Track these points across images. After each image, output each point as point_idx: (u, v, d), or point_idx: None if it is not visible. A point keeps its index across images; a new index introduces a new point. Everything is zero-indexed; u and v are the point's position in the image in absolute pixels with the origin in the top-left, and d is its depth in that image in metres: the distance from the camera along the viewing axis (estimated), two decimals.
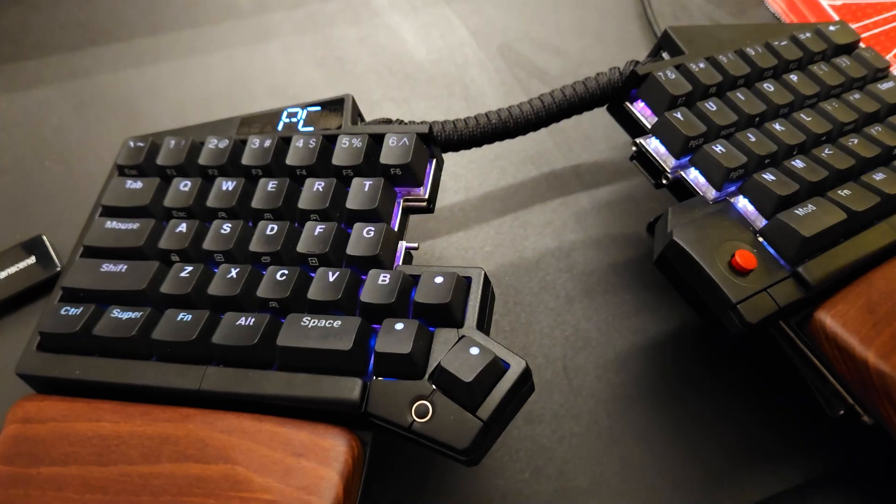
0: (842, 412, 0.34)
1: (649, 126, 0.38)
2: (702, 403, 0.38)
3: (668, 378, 0.39)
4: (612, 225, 0.44)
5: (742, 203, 0.36)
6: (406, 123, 0.38)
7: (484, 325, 0.31)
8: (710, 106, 0.37)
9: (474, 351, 0.29)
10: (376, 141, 0.36)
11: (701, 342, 0.40)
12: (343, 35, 0.51)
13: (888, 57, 0.51)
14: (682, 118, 0.36)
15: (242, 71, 0.49)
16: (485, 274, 0.32)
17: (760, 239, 0.34)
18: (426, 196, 0.36)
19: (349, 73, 0.49)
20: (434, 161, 0.37)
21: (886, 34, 0.53)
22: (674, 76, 0.38)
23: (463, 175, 0.45)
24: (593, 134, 0.47)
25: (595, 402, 0.38)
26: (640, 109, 0.39)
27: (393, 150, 0.35)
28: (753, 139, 0.37)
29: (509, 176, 0.45)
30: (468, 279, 0.32)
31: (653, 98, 0.38)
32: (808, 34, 0.43)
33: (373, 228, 0.33)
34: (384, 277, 0.32)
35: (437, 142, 0.38)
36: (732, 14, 0.54)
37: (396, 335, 0.30)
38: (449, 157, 0.45)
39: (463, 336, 0.30)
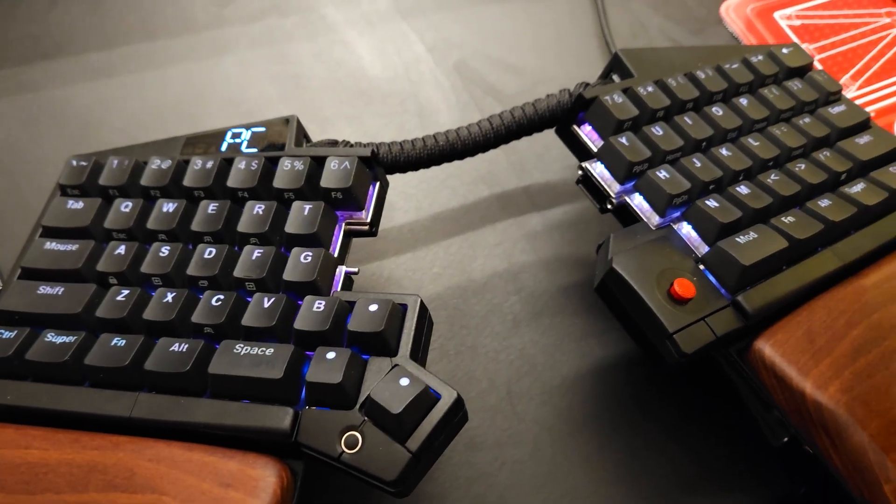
0: (785, 439, 0.34)
1: (595, 150, 0.37)
2: (651, 428, 0.38)
3: (615, 403, 0.39)
4: (562, 247, 0.43)
5: (686, 229, 0.35)
6: (352, 145, 0.38)
7: (419, 353, 0.31)
8: (657, 130, 0.37)
9: (404, 382, 0.29)
10: (319, 163, 0.36)
11: (650, 365, 0.40)
12: (299, 50, 0.50)
13: (845, 77, 0.52)
14: (626, 143, 0.36)
15: (198, 85, 0.49)
16: (421, 301, 0.32)
17: (702, 267, 0.34)
18: (368, 220, 0.35)
19: (304, 89, 0.48)
20: (378, 184, 0.36)
21: (844, 55, 0.53)
22: (621, 100, 0.38)
23: (413, 195, 0.45)
24: (546, 154, 0.47)
25: (539, 428, 0.38)
26: (586, 133, 0.38)
27: (334, 173, 0.35)
28: (699, 164, 0.37)
29: (460, 196, 0.45)
30: (404, 307, 0.32)
31: (599, 122, 0.38)
32: (760, 57, 0.43)
33: (310, 253, 0.33)
34: (319, 304, 0.31)
35: (381, 164, 0.38)
36: (691, 32, 0.54)
37: (328, 364, 0.29)
38: (399, 177, 0.45)
39: (396, 365, 0.30)
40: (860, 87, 0.51)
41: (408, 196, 0.45)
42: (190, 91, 0.48)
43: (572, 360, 0.40)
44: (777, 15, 0.54)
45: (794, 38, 0.53)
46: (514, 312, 0.41)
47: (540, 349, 0.40)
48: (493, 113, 0.48)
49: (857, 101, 0.50)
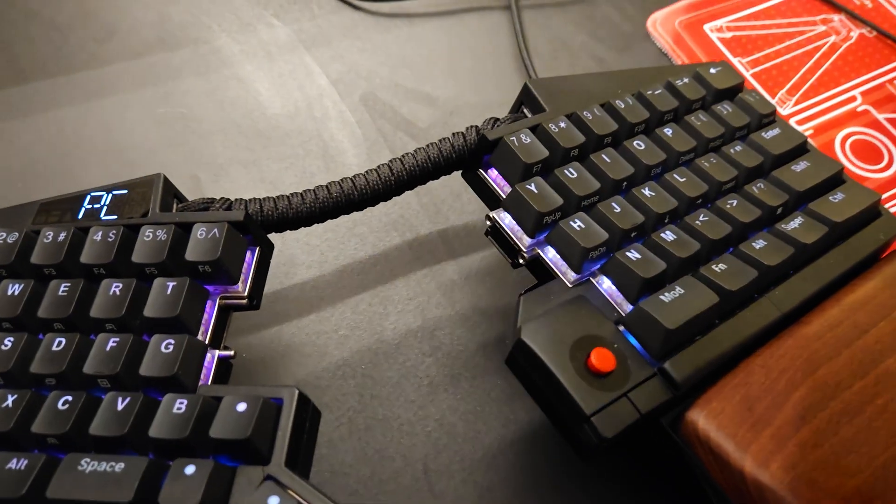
0: None
1: (504, 197, 0.33)
2: (583, 500, 0.34)
3: (543, 474, 0.35)
4: (482, 297, 0.39)
5: (607, 284, 0.32)
6: (232, 203, 0.33)
7: (298, 457, 0.27)
8: (570, 173, 0.33)
9: (273, 501, 0.24)
10: (186, 230, 0.31)
11: None
12: (189, 88, 0.46)
13: (782, 92, 0.48)
14: (535, 190, 0.32)
15: (73, 134, 0.44)
16: (299, 394, 0.27)
17: (622, 329, 0.30)
18: (246, 293, 0.31)
19: (192, 133, 0.44)
20: (257, 249, 0.32)
21: (778, 68, 0.50)
22: (528, 140, 0.34)
23: (317, 246, 0.40)
24: (464, 193, 0.43)
25: None
26: (494, 178, 0.34)
27: (201, 243, 0.30)
28: (618, 210, 0.33)
29: (369, 245, 0.41)
30: (279, 401, 0.27)
31: (505, 166, 0.33)
32: (685, 80, 0.40)
33: (172, 341, 0.28)
34: (180, 405, 0.27)
35: (263, 224, 0.33)
36: (617, 50, 0.51)
37: (185, 482, 0.25)
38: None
39: (268, 477, 0.25)
40: (797, 103, 0.48)
41: (310, 249, 0.40)
42: (64, 140, 0.43)
43: (495, 429, 0.36)
44: (707, 27, 0.51)
45: (726, 52, 0.50)
46: (430, 376, 0.37)
47: (459, 417, 0.36)
48: (405, 150, 0.44)
49: (796, 118, 0.47)
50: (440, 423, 0.36)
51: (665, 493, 0.35)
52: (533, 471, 0.35)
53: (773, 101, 0.48)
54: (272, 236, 0.39)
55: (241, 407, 0.26)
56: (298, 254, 0.40)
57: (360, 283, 0.40)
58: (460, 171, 0.36)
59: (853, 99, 0.48)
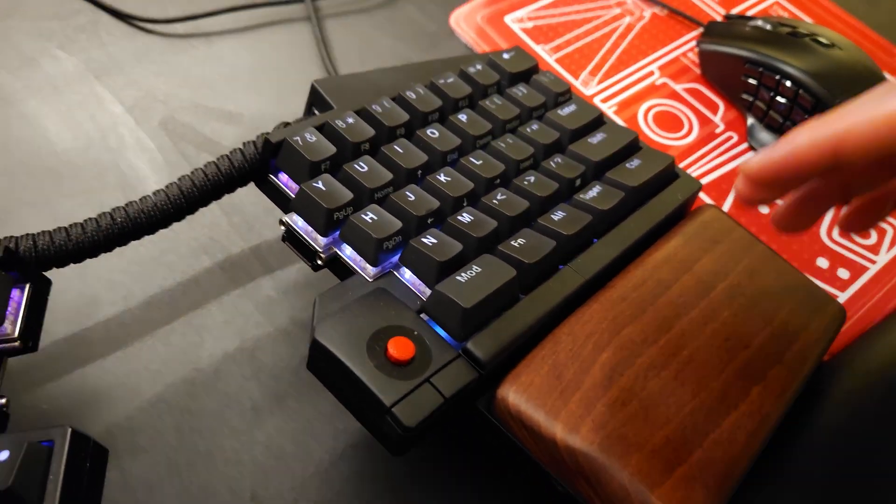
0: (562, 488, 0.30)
1: (293, 199, 0.32)
2: (426, 499, 0.33)
3: (381, 479, 0.34)
4: (302, 310, 0.38)
5: (408, 274, 0.31)
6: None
7: (78, 501, 0.24)
8: (360, 167, 0.33)
9: None
10: None
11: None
12: None
13: (584, 74, 0.50)
14: (323, 188, 0.31)
15: None
16: (72, 433, 0.25)
17: (425, 316, 0.29)
18: (16, 334, 0.28)
19: None
20: (28, 287, 0.29)
21: (580, 51, 0.51)
22: (314, 139, 0.33)
23: (121, 281, 0.38)
24: (275, 207, 0.41)
25: None
26: (285, 182, 0.33)
27: None
28: (412, 198, 0.32)
29: (178, 273, 0.39)
30: (50, 444, 0.25)
31: (292, 168, 0.32)
32: (478, 67, 0.40)
33: None
34: None
35: (41, 260, 0.31)
36: (423, 49, 0.51)
37: None
38: (104, 261, 0.38)
39: None
40: (600, 82, 0.49)
41: (114, 284, 0.38)
42: None
43: (326, 443, 0.34)
44: (508, 19, 0.52)
45: (529, 41, 0.51)
46: (253, 400, 0.35)
47: (288, 437, 0.34)
48: None
49: (600, 97, 0.49)
50: (268, 447, 0.34)
51: (509, 482, 0.34)
52: (367, 478, 0.34)
53: (577, 82, 0.49)
54: (66, 274, 0.36)
55: (3, 455, 0.24)
56: (101, 291, 0.38)
57: (170, 313, 0.37)
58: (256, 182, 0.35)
59: (651, 74, 0.50)
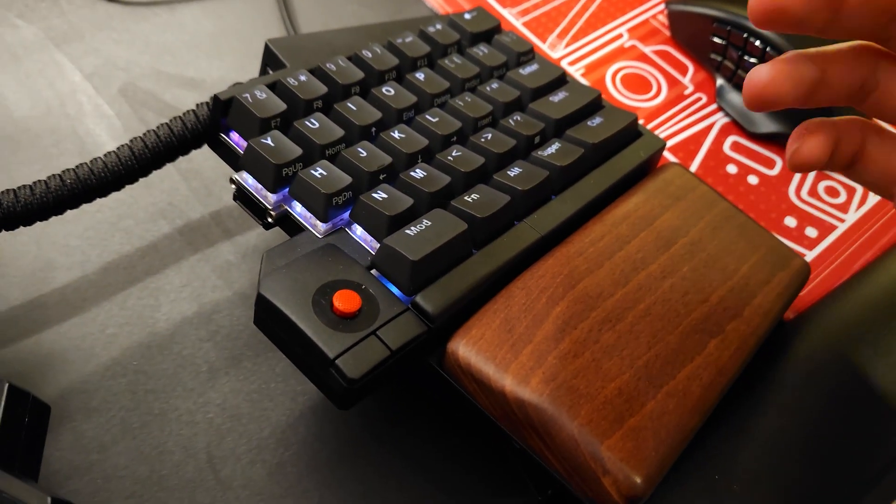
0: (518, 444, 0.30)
1: (241, 156, 0.32)
2: (385, 455, 0.33)
3: (338, 439, 0.33)
4: None
5: (360, 231, 0.31)
6: None
7: (15, 455, 0.24)
8: (311, 123, 0.32)
9: None
10: None
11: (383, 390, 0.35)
12: None
13: (552, 37, 0.49)
14: (271, 144, 0.31)
15: None
16: (9, 388, 0.25)
17: (375, 272, 0.29)
18: None
19: None
20: None
21: (547, 15, 0.50)
22: (264, 96, 0.32)
23: (77, 246, 0.37)
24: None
25: (249, 493, 0.32)
26: (236, 141, 0.33)
27: None
28: (364, 154, 0.32)
29: (136, 238, 0.38)
30: None
31: (242, 125, 0.32)
32: (438, 26, 0.39)
33: None
34: None
35: None
36: (389, 15, 0.50)
37: None
38: (60, 227, 0.38)
39: None
40: (568, 45, 0.49)
41: (70, 250, 0.37)
42: None
43: (283, 405, 0.34)
44: None
45: (496, 6, 0.50)
46: (209, 361, 0.35)
47: (244, 398, 0.34)
48: None
49: (567, 59, 0.48)
50: (223, 408, 0.34)
51: (469, 440, 0.34)
52: (326, 440, 0.33)
53: (544, 46, 0.49)
54: (22, 240, 0.36)
55: None
56: (56, 257, 0.37)
57: (127, 277, 0.37)
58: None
59: (620, 36, 0.50)
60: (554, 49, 0.48)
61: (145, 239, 0.38)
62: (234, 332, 0.36)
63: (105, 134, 0.42)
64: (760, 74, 0.24)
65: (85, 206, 0.34)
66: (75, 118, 0.42)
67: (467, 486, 0.33)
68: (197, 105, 0.34)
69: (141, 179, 0.35)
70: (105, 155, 0.33)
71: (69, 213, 0.34)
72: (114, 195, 0.37)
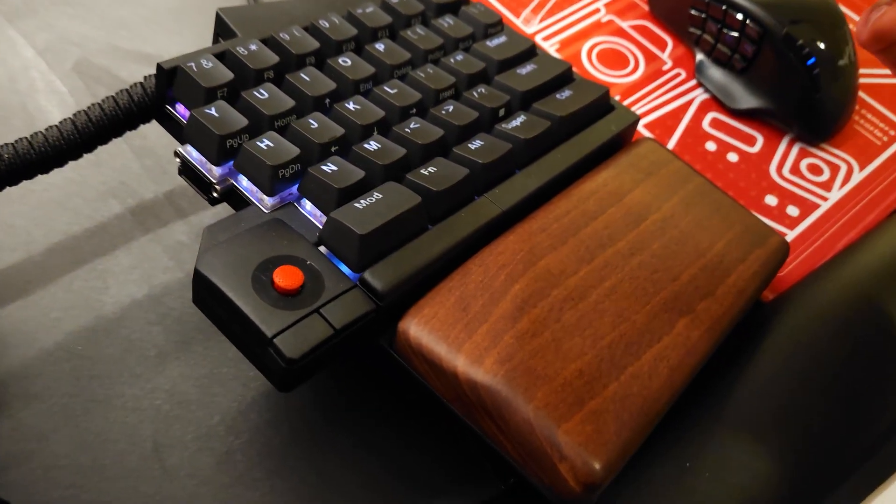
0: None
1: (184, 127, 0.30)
2: (340, 442, 0.32)
3: (290, 426, 0.32)
4: None
5: (309, 206, 0.29)
6: None
7: None
8: (260, 94, 0.30)
9: None
10: None
11: (331, 369, 0.33)
12: None
13: (527, 11, 0.47)
14: (215, 114, 0.29)
15: None
16: None
17: (323, 249, 0.27)
18: None
19: None
20: None
21: None
22: (210, 65, 0.30)
23: (22, 226, 0.36)
24: None
25: (196, 482, 0.30)
26: (181, 112, 0.31)
27: None
28: (315, 125, 0.30)
29: (84, 218, 0.37)
30: None
31: (187, 96, 0.30)
32: None
33: None
34: None
35: None
36: None
37: None
38: (3, 205, 0.36)
39: None
40: (543, 20, 0.47)
41: (13, 230, 0.36)
42: None
43: (234, 390, 0.33)
44: None
45: None
46: (157, 346, 0.33)
47: (192, 384, 0.32)
48: None
49: (541, 34, 0.46)
50: (170, 394, 0.32)
51: (426, 423, 0.32)
52: (278, 427, 0.32)
53: (518, 21, 0.47)
54: None
55: None
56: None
57: (73, 259, 0.35)
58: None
59: (597, 11, 0.48)
60: (528, 24, 0.47)
61: (94, 219, 0.37)
62: (185, 316, 0.34)
63: (56, 110, 0.40)
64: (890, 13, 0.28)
65: (31, 186, 0.32)
66: (26, 94, 0.40)
67: (426, 472, 0.32)
68: (145, 77, 0.33)
69: (92, 157, 0.33)
70: (46, 129, 0.31)
71: (13, 191, 0.32)
72: (62, 174, 0.36)
